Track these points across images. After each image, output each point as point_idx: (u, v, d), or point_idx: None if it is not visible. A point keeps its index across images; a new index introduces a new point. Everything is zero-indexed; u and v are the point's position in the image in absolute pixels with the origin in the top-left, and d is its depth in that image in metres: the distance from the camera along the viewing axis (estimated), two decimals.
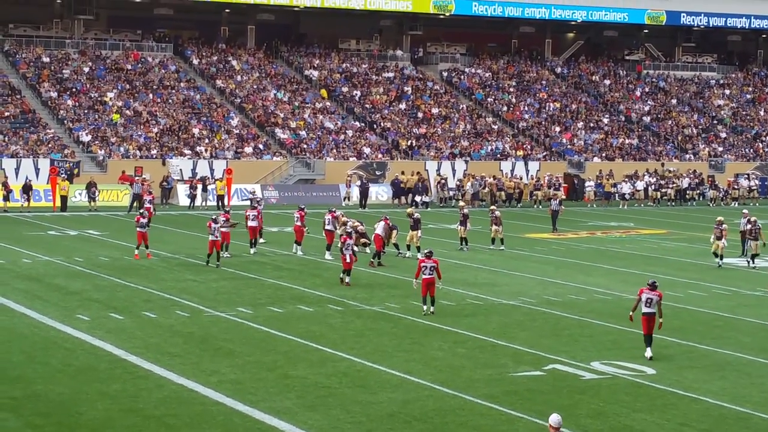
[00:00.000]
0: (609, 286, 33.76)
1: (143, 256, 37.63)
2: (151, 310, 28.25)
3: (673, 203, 67.82)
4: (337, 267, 35.35)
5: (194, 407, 19.24)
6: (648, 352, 23.36)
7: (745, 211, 44.39)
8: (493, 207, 45.26)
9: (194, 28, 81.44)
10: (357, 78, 77.36)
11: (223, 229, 38.81)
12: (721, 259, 39.24)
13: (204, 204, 58.76)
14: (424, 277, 27.82)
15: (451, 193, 64.35)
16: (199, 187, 59.44)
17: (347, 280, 32.36)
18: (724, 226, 39.48)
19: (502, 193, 64.40)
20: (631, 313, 23.82)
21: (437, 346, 24.53)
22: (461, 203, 47.84)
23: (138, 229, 37.80)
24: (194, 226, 49.26)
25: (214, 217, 36.65)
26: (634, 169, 71.22)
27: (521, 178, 67.48)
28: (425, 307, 28.10)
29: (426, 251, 28.88)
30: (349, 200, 62.32)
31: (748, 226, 40.53)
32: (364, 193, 61.77)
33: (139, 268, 35.77)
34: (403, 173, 64.21)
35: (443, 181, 64.93)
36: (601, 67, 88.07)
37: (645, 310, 23.37)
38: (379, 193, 65.17)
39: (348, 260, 32.43)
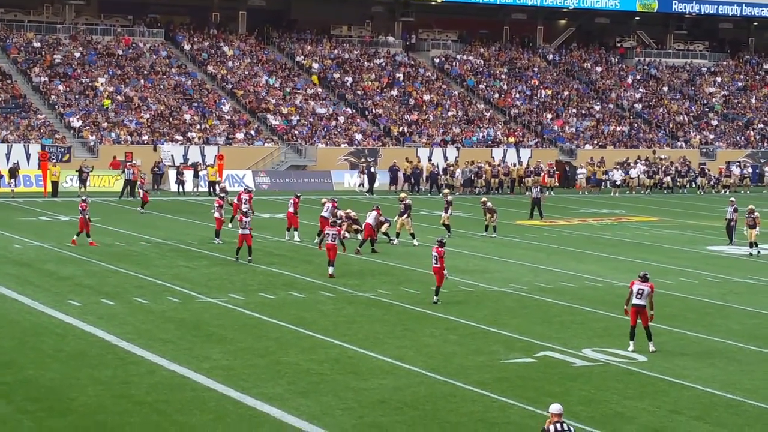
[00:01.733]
0: (600, 273, 33.80)
1: (84, 244, 37.02)
2: (143, 296, 28.24)
3: (670, 191, 67.72)
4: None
5: (186, 393, 19.25)
6: (631, 345, 23.18)
7: (732, 199, 44.45)
8: (484, 199, 44.84)
9: (186, 14, 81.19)
10: (348, 64, 77.26)
11: (215, 215, 38.86)
12: (756, 246, 39.05)
13: (195, 190, 58.70)
14: (433, 266, 27.79)
15: (470, 174, 63.91)
16: (191, 173, 59.37)
17: (331, 271, 31.77)
18: (756, 214, 39.29)
19: (496, 180, 64.27)
20: (625, 307, 23.55)
21: (429, 333, 24.55)
22: (445, 190, 47.70)
23: (81, 215, 37.38)
24: (185, 211, 49.25)
25: (245, 210, 36.15)
26: (626, 156, 71.23)
27: (515, 165, 67.35)
28: (436, 297, 28.04)
29: (438, 239, 28.72)
30: (363, 187, 62.15)
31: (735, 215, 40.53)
32: (370, 180, 61.74)
33: (130, 253, 35.73)
34: (407, 160, 64.20)
35: (452, 167, 64.60)
36: (592, 54, 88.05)
37: (635, 301, 23.07)
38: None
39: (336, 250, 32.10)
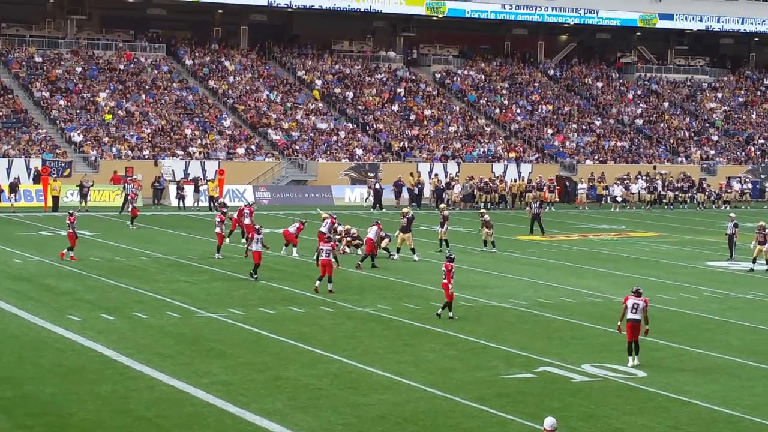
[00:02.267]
0: (600, 289, 33.77)
1: (83, 259, 37.02)
2: (143, 310, 28.23)
3: (671, 206, 67.67)
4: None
5: (185, 408, 19.23)
6: (630, 361, 23.16)
7: (732, 214, 44.43)
8: (482, 211, 45.18)
9: (187, 29, 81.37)
10: (350, 79, 77.35)
11: (217, 230, 38.84)
12: (754, 263, 38.84)
13: (196, 205, 58.71)
14: (442, 281, 27.79)
15: (471, 190, 64.01)
16: (191, 187, 59.39)
17: (330, 287, 31.41)
18: None
19: (496, 195, 64.35)
20: (619, 323, 23.60)
21: (428, 348, 24.53)
22: (441, 205, 47.72)
23: (69, 229, 37.28)
24: (185, 226, 49.24)
25: (257, 227, 35.88)
26: (626, 171, 71.26)
27: (514, 181, 67.36)
28: (440, 311, 28.02)
29: (447, 255, 28.75)
30: (369, 201, 62.28)
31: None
32: (377, 196, 61.87)
33: (130, 268, 35.74)
34: (412, 175, 64.52)
35: (454, 182, 64.68)
36: (593, 69, 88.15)
37: (630, 316, 23.11)
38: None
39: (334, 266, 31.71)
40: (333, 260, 31.66)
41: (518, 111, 78.96)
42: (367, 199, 62.66)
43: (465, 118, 76.32)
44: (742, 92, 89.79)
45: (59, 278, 33.34)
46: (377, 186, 62.20)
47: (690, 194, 69.62)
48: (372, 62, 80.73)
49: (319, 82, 75.66)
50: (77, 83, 68.70)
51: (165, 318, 27.42)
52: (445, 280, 27.68)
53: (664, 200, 68.27)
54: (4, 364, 22.07)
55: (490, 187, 64.04)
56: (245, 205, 42.91)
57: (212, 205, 57.12)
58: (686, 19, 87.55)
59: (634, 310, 23.12)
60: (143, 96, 69.08)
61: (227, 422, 18.50)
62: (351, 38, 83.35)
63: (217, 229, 38.82)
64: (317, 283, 31.66)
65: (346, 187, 65.21)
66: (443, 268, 27.82)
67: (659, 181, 69.57)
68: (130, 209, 48.79)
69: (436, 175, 66.46)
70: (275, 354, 23.60)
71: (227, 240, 40.96)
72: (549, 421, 14.13)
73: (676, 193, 68.64)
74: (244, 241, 40.88)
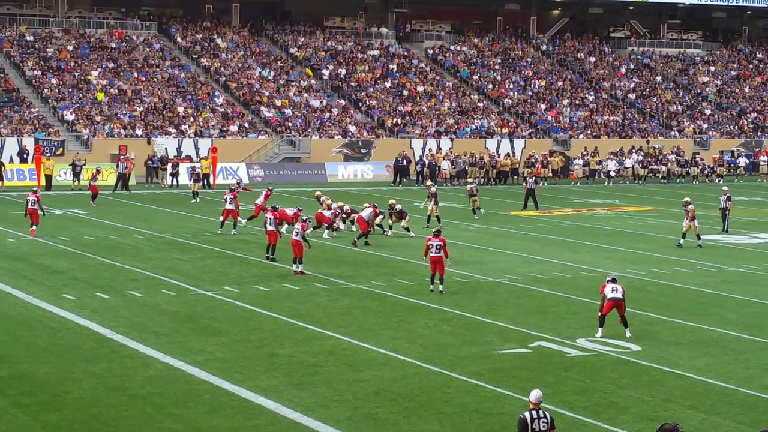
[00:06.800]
0: (595, 264, 33.81)
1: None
2: (137, 289, 28.23)
3: (666, 180, 67.67)
4: (323, 246, 35.49)
5: (180, 386, 19.26)
6: (599, 332, 23.39)
7: (724, 188, 44.34)
8: (429, 183, 46.22)
9: (178, 6, 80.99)
10: (342, 56, 77.17)
11: (229, 207, 38.59)
12: (684, 238, 38.49)
13: (169, 182, 58.45)
14: (431, 255, 27.85)
15: (465, 166, 64.07)
16: (186, 165, 59.15)
17: (301, 268, 30.67)
18: (690, 206, 38.71)
19: (494, 170, 64.39)
20: (599, 313, 23.68)
21: (423, 324, 24.57)
22: (428, 182, 47.69)
23: (31, 206, 37.36)
24: (179, 204, 49.16)
25: (275, 205, 35.47)
26: (620, 146, 71.24)
27: (507, 156, 67.31)
28: (432, 286, 28.18)
29: (434, 230, 28.94)
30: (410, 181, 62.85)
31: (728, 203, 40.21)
32: (398, 171, 61.94)
33: (124, 247, 35.70)
34: (430, 153, 65.03)
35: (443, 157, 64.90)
36: (586, 44, 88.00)
37: (612, 296, 23.25)
38: (365, 171, 65.19)
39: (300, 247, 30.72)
40: (303, 241, 30.72)
41: (511, 86, 78.83)
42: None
43: (458, 94, 76.18)
44: (735, 66, 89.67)
45: (53, 257, 33.31)
46: (403, 163, 62.33)
47: (687, 168, 69.56)
48: (364, 39, 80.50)
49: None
50: (69, 62, 68.46)
51: (160, 296, 27.42)
52: (441, 254, 27.73)
53: (658, 174, 68.28)
54: None
55: (488, 162, 64.11)
56: (269, 189, 42.70)
57: (205, 183, 56.90)
58: None
59: (614, 291, 23.22)
60: (135, 74, 68.87)
61: (223, 399, 18.52)
62: (343, 15, 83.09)
63: (229, 206, 38.60)
64: (293, 266, 31.01)
65: (339, 163, 65.13)
66: (438, 243, 27.75)
67: (660, 156, 69.61)
68: (88, 186, 48.22)
69: (440, 150, 66.35)
70: (270, 331, 23.62)
71: (243, 222, 40.28)
72: (535, 394, 14.09)
73: (668, 165, 68.56)
74: (241, 220, 40.74)
